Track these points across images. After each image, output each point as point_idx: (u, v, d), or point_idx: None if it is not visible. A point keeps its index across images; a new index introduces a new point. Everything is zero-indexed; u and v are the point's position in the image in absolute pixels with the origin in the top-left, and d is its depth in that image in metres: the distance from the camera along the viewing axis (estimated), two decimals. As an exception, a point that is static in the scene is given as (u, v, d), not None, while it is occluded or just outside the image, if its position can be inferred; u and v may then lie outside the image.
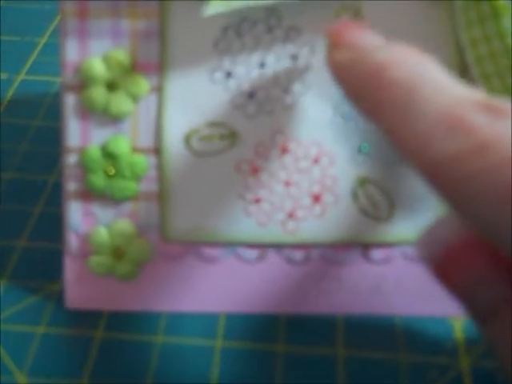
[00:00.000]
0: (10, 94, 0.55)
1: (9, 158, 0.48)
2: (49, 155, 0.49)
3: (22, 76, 0.57)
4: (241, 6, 0.31)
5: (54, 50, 0.60)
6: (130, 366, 0.35)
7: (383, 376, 0.34)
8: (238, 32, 0.34)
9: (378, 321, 0.37)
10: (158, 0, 0.33)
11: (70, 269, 0.37)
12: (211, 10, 0.30)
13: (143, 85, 0.34)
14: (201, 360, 0.35)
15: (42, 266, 0.40)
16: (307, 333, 0.36)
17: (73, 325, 0.37)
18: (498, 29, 0.31)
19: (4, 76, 0.57)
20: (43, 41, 0.61)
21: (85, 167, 0.35)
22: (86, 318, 0.37)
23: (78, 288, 0.37)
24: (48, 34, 0.62)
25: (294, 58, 0.34)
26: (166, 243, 0.36)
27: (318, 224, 0.36)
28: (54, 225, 0.42)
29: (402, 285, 0.37)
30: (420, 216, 0.35)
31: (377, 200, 0.35)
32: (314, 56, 0.34)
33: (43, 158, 0.49)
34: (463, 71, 0.34)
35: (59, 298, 0.38)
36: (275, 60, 0.34)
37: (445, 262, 0.21)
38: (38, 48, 0.60)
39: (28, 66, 0.58)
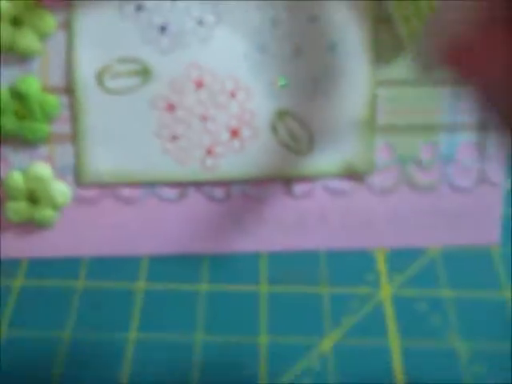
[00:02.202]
0: None
1: None
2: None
3: None
4: None
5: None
6: (51, 313, 0.34)
7: (306, 308, 0.34)
8: (146, -38, 0.33)
9: (301, 256, 0.37)
10: None
11: (-15, 216, 0.36)
12: None
13: (50, 21, 0.33)
14: (123, 304, 0.34)
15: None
16: (230, 271, 0.36)
17: (-10, 273, 0.36)
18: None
19: None
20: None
21: (-7, 109, 0.34)
22: (5, 266, 0.36)
23: (-5, 236, 0.36)
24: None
25: (205, -13, 0.33)
26: (82, 186, 0.35)
27: (237, 159, 0.35)
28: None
29: (324, 218, 0.36)
30: (340, 149, 0.35)
31: (296, 133, 0.35)
32: (225, -15, 0.33)
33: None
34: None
35: (-24, 247, 0.37)
36: (186, -10, 0.33)
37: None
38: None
39: None
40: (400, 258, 0.36)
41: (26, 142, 0.34)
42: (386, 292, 0.34)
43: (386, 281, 0.35)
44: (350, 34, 0.33)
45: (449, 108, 0.34)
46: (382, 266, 0.36)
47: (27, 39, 0.33)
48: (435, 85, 0.34)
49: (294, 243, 0.37)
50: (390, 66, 0.34)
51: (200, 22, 0.33)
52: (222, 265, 0.36)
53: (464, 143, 0.35)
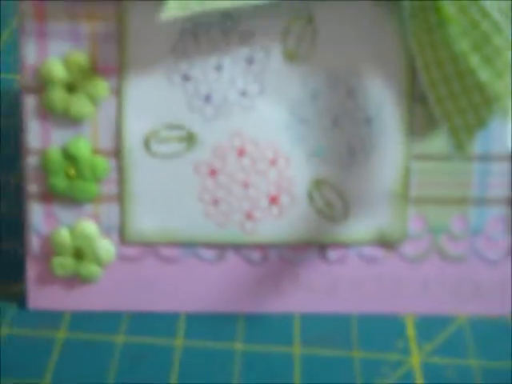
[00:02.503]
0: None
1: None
2: (9, 155, 0.49)
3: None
4: (197, 10, 0.31)
5: (12, 49, 0.60)
6: (92, 366, 0.36)
7: (338, 372, 0.35)
8: (194, 35, 0.34)
9: (334, 319, 0.38)
10: (115, 2, 0.34)
11: (33, 270, 0.38)
12: (168, 13, 0.31)
13: (102, 87, 0.35)
14: (162, 359, 0.36)
15: (4, 267, 0.41)
16: (265, 331, 0.37)
17: (35, 325, 0.37)
18: (443, 36, 0.32)
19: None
20: (1, 39, 0.61)
21: (46, 169, 0.36)
22: (49, 318, 0.38)
23: (41, 289, 0.38)
24: (6, 33, 0.62)
25: (250, 61, 0.35)
26: (126, 244, 0.37)
27: (275, 224, 0.37)
28: (16, 226, 0.42)
29: (356, 284, 0.38)
30: (373, 217, 0.36)
31: (332, 201, 0.36)
32: (269, 60, 0.35)
33: (4, 158, 0.49)
34: (413, 79, 0.35)
35: (22, 298, 0.39)
36: (231, 63, 0.35)
37: None
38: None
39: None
40: (429, 325, 0.37)
41: (74, 200, 0.36)
42: (415, 359, 0.35)
43: (415, 348, 0.36)
44: (386, 109, 0.35)
45: (479, 182, 0.36)
46: (411, 332, 0.37)
47: (80, 104, 0.35)
48: (467, 160, 0.35)
49: (326, 306, 0.38)
50: (424, 140, 0.36)
51: (243, 93, 0.35)
52: (257, 325, 0.38)
53: (493, 217, 0.36)
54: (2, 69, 0.57)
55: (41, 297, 0.38)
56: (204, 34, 0.34)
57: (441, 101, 0.33)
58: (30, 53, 0.35)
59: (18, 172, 0.47)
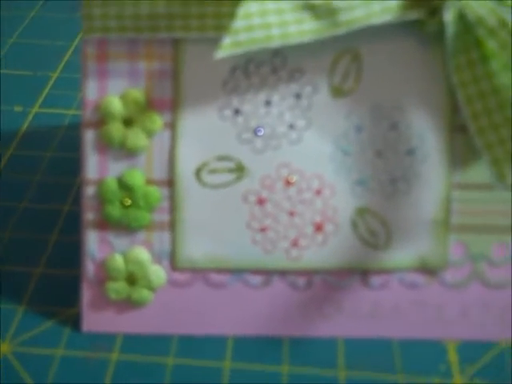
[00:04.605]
0: (24, 126, 0.58)
1: (24, 188, 0.51)
2: (62, 185, 0.51)
3: (35, 109, 0.60)
4: (249, 49, 0.33)
5: (65, 83, 0.63)
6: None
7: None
8: (245, 72, 0.36)
9: (376, 343, 0.39)
10: (172, 42, 0.36)
11: (87, 294, 0.39)
12: (222, 53, 0.33)
13: (157, 121, 0.37)
14: (210, 380, 0.37)
15: (59, 291, 0.42)
16: (310, 355, 0.39)
17: (89, 347, 0.39)
18: (486, 71, 0.33)
19: (19, 109, 0.60)
20: (55, 75, 0.64)
21: (102, 198, 0.38)
22: (102, 340, 0.40)
23: (94, 312, 0.40)
24: (60, 68, 0.65)
25: (298, 96, 0.36)
26: (177, 270, 0.39)
27: (319, 252, 0.38)
28: (69, 252, 0.44)
29: (398, 309, 0.39)
30: (415, 245, 0.38)
31: (375, 229, 0.38)
32: (316, 95, 0.36)
33: (57, 187, 0.51)
34: (454, 111, 0.36)
35: (76, 321, 0.40)
36: (280, 98, 0.37)
37: None
38: (51, 82, 0.63)
39: (41, 99, 0.61)
40: (470, 350, 0.39)
41: (128, 228, 0.38)
42: (458, 382, 0.37)
43: (457, 372, 0.37)
44: (428, 140, 0.37)
45: (519, 211, 0.37)
46: (453, 357, 0.38)
47: (136, 137, 0.37)
48: (507, 189, 0.37)
49: (368, 331, 0.39)
50: (465, 170, 0.37)
51: (291, 126, 0.37)
52: (302, 348, 0.39)
53: (533, 244, 0.38)
54: (57, 103, 0.60)
55: (94, 320, 0.40)
56: (254, 71, 0.36)
57: (482, 132, 0.34)
58: (91, 90, 0.37)
59: (71, 201, 0.50)
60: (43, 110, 0.60)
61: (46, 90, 0.62)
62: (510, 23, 0.32)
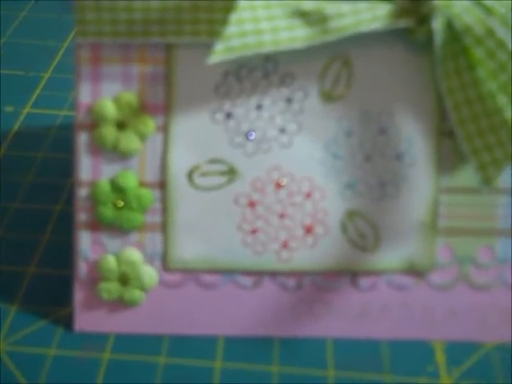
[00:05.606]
0: (16, 126, 0.58)
1: (15, 188, 0.51)
2: (54, 185, 0.51)
3: (27, 109, 0.60)
4: (241, 54, 0.34)
5: (57, 84, 0.63)
6: (135, 386, 0.38)
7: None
8: (237, 77, 0.37)
9: (365, 344, 0.40)
10: (165, 47, 0.36)
11: (80, 294, 0.40)
12: (214, 58, 0.34)
13: (150, 124, 0.37)
14: (201, 380, 0.38)
15: (51, 291, 0.43)
16: (300, 355, 0.39)
17: (81, 347, 0.40)
18: (473, 78, 0.34)
19: (10, 109, 0.60)
20: (47, 75, 0.64)
21: (95, 199, 0.38)
22: (94, 340, 0.40)
23: (87, 312, 0.40)
24: (51, 69, 0.65)
25: (289, 101, 0.37)
26: (168, 271, 0.39)
27: (309, 253, 0.39)
28: (62, 252, 0.45)
29: (386, 311, 0.40)
30: (403, 247, 0.38)
31: (364, 232, 0.38)
32: (307, 99, 0.37)
33: (49, 188, 0.51)
34: (442, 116, 0.37)
35: (68, 321, 0.41)
36: (271, 103, 0.37)
37: None
38: (42, 82, 0.63)
39: (33, 99, 0.61)
40: (457, 351, 0.39)
41: (121, 229, 0.39)
42: (445, 383, 0.37)
43: (445, 372, 0.38)
44: (416, 144, 0.37)
45: (505, 215, 0.38)
46: (440, 357, 0.39)
47: (129, 140, 0.37)
48: (493, 193, 0.37)
49: (357, 332, 0.40)
50: (452, 174, 0.38)
51: (282, 130, 0.37)
52: (292, 348, 0.40)
53: (518, 247, 0.39)
54: (49, 104, 0.61)
55: (87, 320, 0.40)
56: (246, 76, 0.37)
57: (469, 138, 0.35)
58: (85, 93, 0.37)
59: (62, 201, 0.50)
60: (35, 111, 0.60)
61: (38, 91, 0.62)
62: (496, 33, 0.33)
